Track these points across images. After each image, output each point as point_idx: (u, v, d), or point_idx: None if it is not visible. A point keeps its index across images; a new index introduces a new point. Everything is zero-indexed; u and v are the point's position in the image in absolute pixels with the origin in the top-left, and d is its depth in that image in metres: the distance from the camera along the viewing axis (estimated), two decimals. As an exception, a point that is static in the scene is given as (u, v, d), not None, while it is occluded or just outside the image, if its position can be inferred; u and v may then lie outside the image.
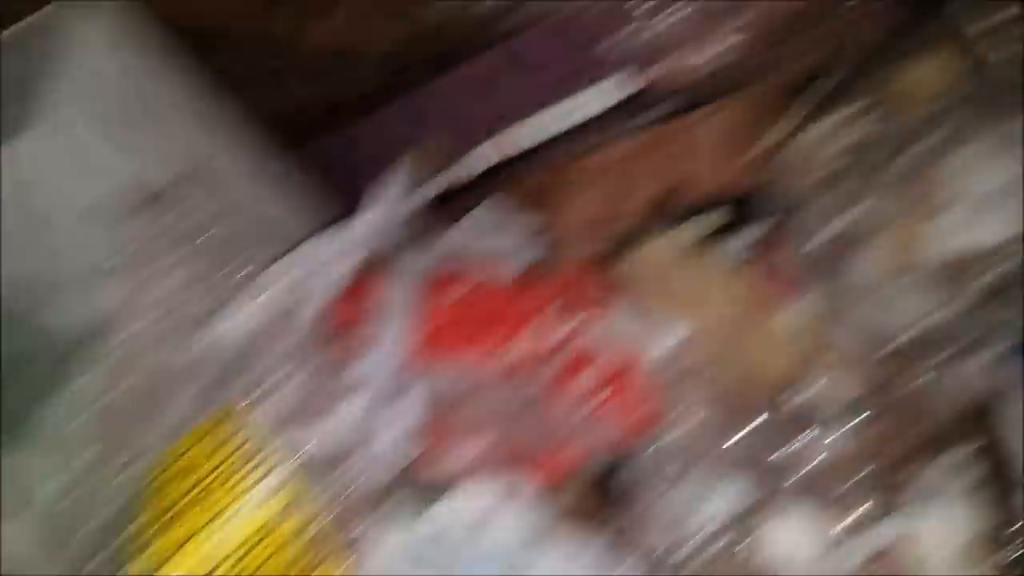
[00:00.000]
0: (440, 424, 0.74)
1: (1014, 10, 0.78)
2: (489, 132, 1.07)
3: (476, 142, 1.07)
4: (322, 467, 0.69)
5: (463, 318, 0.81)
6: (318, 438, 0.69)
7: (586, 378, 0.80)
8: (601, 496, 0.80)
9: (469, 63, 0.96)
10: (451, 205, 1.09)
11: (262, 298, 0.81)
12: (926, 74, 0.81)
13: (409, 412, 0.71)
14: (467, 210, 1.05)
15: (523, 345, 0.81)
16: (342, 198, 1.04)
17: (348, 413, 0.69)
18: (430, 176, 1.09)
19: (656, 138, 1.00)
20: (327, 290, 0.81)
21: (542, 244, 0.99)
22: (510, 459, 0.76)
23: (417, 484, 0.72)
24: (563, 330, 0.84)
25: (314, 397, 0.71)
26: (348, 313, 0.80)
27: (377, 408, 0.69)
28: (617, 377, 0.80)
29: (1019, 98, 0.75)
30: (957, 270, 0.76)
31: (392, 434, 0.70)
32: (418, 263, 0.85)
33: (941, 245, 0.75)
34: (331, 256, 0.84)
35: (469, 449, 0.75)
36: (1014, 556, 0.72)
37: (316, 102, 1.09)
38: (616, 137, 1.02)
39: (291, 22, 0.99)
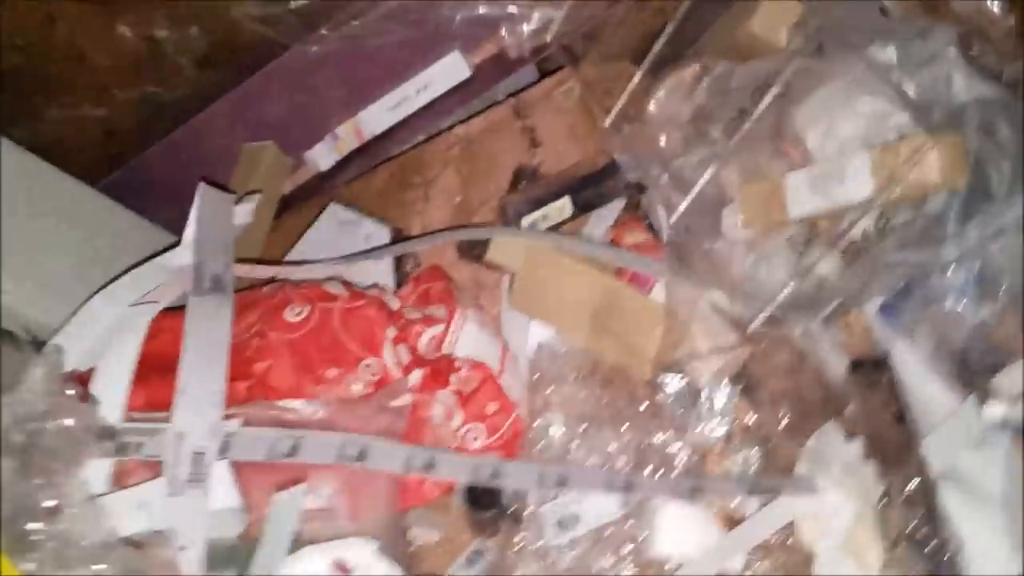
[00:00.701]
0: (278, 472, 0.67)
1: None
2: (325, 126, 0.99)
3: (311, 138, 0.99)
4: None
5: (306, 349, 0.73)
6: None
7: (447, 395, 0.73)
8: (481, 509, 0.75)
9: (281, 59, 0.86)
10: (294, 209, 1.01)
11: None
12: (766, 21, 0.75)
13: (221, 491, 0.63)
14: (313, 214, 0.98)
15: (376, 367, 0.73)
16: (174, 205, 0.97)
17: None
18: (273, 180, 1.01)
19: (503, 116, 0.93)
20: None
21: (394, 246, 0.92)
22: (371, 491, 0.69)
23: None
24: (420, 344, 0.77)
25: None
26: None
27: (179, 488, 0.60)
28: (480, 389, 0.73)
29: (864, 37, 0.71)
30: (816, 231, 0.72)
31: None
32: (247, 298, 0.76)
33: (803, 202, 0.70)
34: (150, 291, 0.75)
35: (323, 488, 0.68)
36: (912, 521, 0.70)
37: (128, 115, 0.98)
38: (463, 118, 0.95)
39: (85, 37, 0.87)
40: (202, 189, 0.75)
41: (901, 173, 0.64)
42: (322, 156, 1.01)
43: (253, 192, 0.86)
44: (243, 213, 0.79)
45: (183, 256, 0.73)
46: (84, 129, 0.96)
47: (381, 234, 0.94)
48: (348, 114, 0.98)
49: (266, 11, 0.80)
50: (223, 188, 0.83)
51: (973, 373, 0.75)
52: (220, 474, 0.62)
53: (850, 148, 0.69)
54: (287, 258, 0.96)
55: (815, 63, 0.72)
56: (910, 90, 0.70)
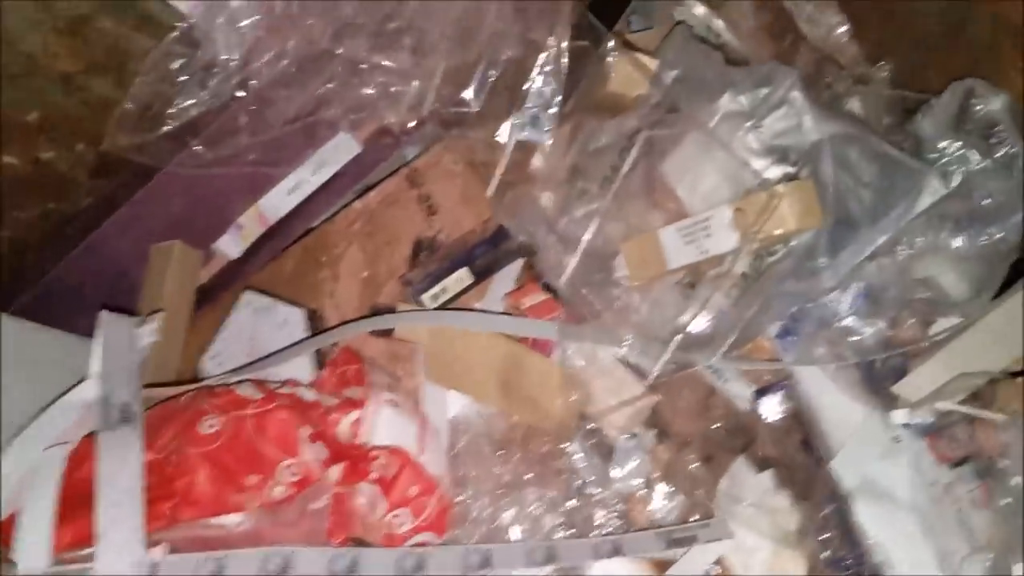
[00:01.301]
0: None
1: (699, 9, 0.77)
2: (229, 216, 1.00)
3: (218, 230, 1.00)
4: None
5: (224, 460, 0.74)
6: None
7: (369, 485, 0.75)
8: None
9: (176, 160, 0.88)
10: (212, 300, 1.02)
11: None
12: (623, 79, 0.78)
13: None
14: (230, 302, 0.99)
15: (296, 467, 0.75)
16: (93, 314, 0.98)
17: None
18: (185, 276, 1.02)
19: (398, 187, 0.95)
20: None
21: (313, 327, 0.93)
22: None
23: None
24: (339, 431, 0.79)
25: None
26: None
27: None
28: (400, 474, 0.75)
29: (715, 89, 0.74)
30: (701, 274, 0.75)
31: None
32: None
33: (679, 255, 0.73)
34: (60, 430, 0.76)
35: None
36: (831, 542, 0.73)
37: (33, 232, 0.99)
38: (358, 195, 0.97)
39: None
40: (103, 318, 0.77)
41: (759, 224, 0.67)
42: (230, 246, 1.02)
43: (156, 312, 0.88)
44: (148, 333, 0.81)
45: (90, 390, 0.75)
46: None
47: (296, 317, 0.95)
48: (250, 202, 1.00)
49: (136, 140, 0.81)
50: (127, 310, 0.84)
51: (878, 381, 0.79)
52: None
53: (715, 199, 0.72)
54: (209, 348, 0.98)
55: (672, 118, 0.74)
56: (764, 136, 0.73)
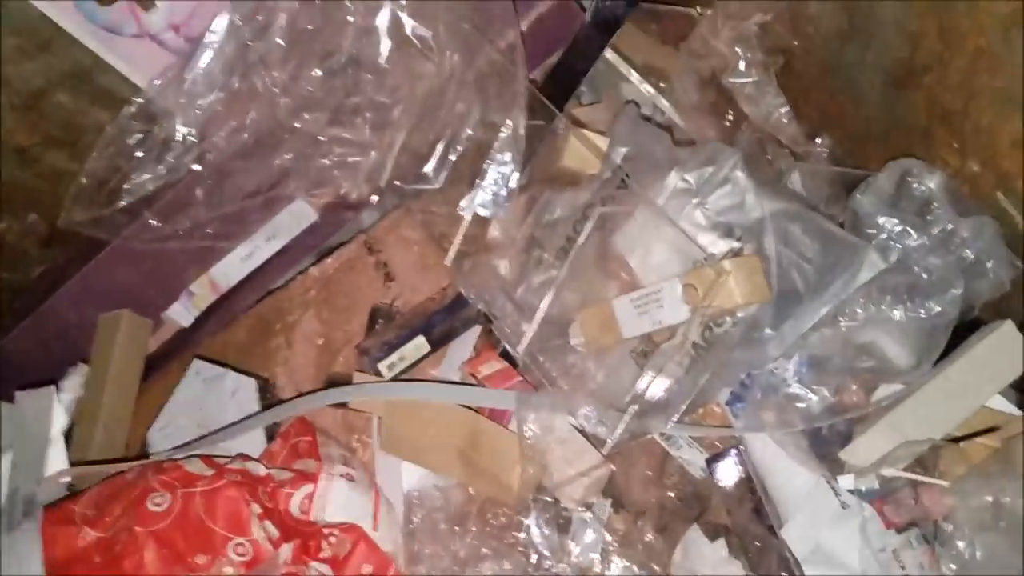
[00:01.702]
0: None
1: (646, 87, 0.80)
2: (180, 284, 0.99)
3: (168, 299, 0.99)
4: None
5: (172, 539, 0.73)
6: None
7: (320, 565, 0.74)
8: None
9: (127, 232, 0.87)
10: (161, 369, 1.01)
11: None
12: (575, 155, 0.80)
13: None
14: (179, 372, 0.98)
15: (246, 546, 0.74)
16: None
17: None
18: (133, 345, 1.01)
19: (355, 253, 0.96)
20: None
21: (263, 396, 0.92)
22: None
23: None
24: (291, 506, 0.78)
25: None
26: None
27: None
28: (353, 552, 0.74)
29: (662, 167, 0.76)
30: (653, 343, 0.77)
31: None
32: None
33: (632, 325, 0.75)
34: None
35: None
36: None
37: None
38: (314, 261, 0.97)
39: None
40: (18, 398, 0.75)
41: (708, 297, 0.69)
42: (181, 314, 1.01)
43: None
44: (70, 388, 0.79)
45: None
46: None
47: (247, 386, 0.94)
48: (201, 270, 0.99)
49: (91, 214, 0.81)
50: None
51: (826, 446, 0.80)
52: None
53: (665, 271, 0.74)
54: (157, 419, 0.96)
55: (623, 195, 0.77)
56: (710, 212, 0.75)
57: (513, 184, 0.79)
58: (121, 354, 0.98)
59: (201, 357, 0.97)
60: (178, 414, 0.96)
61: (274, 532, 0.75)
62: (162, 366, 1.01)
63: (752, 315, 0.74)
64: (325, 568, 0.73)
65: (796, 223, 0.75)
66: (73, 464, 0.87)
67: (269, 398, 0.92)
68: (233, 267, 1.00)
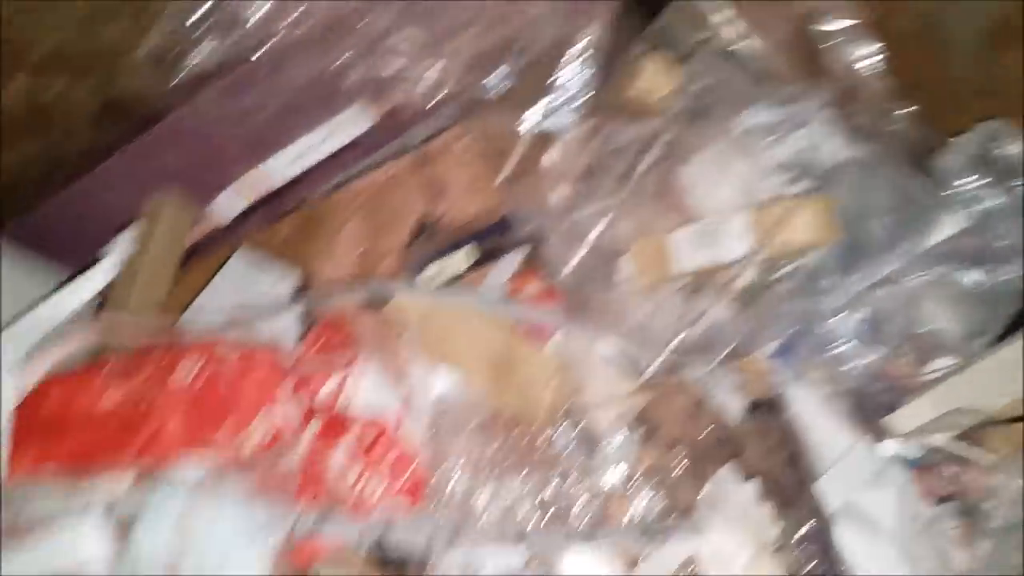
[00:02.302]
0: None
1: (732, 28, 0.78)
2: (228, 176, 0.98)
3: (215, 189, 0.98)
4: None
5: (198, 408, 0.72)
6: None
7: (344, 447, 0.73)
8: (388, 560, 0.74)
9: (181, 111, 0.86)
10: (199, 259, 1.00)
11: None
12: (648, 83, 0.78)
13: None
14: (218, 264, 0.97)
15: (270, 423, 0.73)
16: (72, 259, 0.96)
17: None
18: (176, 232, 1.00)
19: (405, 168, 0.94)
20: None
21: (297, 296, 0.91)
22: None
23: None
24: (318, 397, 0.77)
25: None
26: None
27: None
28: (378, 440, 0.73)
29: (741, 101, 0.74)
30: (705, 281, 0.75)
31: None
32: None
33: (687, 259, 0.73)
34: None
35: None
36: (808, 560, 0.72)
37: (26, 169, 0.96)
38: (364, 170, 0.96)
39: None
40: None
41: (773, 233, 0.66)
42: (226, 207, 0.99)
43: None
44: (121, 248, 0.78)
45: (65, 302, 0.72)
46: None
47: (286, 282, 0.93)
48: (252, 165, 0.98)
49: (149, 87, 0.80)
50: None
51: (869, 412, 0.79)
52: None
53: (729, 208, 0.72)
54: (192, 306, 0.95)
55: (695, 126, 0.75)
56: (785, 152, 0.73)
57: (580, 101, 0.77)
58: (164, 238, 0.97)
59: (242, 249, 0.97)
60: (214, 303, 0.95)
61: (300, 412, 0.74)
62: (202, 256, 1.00)
63: (815, 263, 0.72)
64: (348, 453, 0.72)
65: (872, 174, 0.73)
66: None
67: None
68: (283, 165, 0.98)
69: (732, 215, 0.69)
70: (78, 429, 0.73)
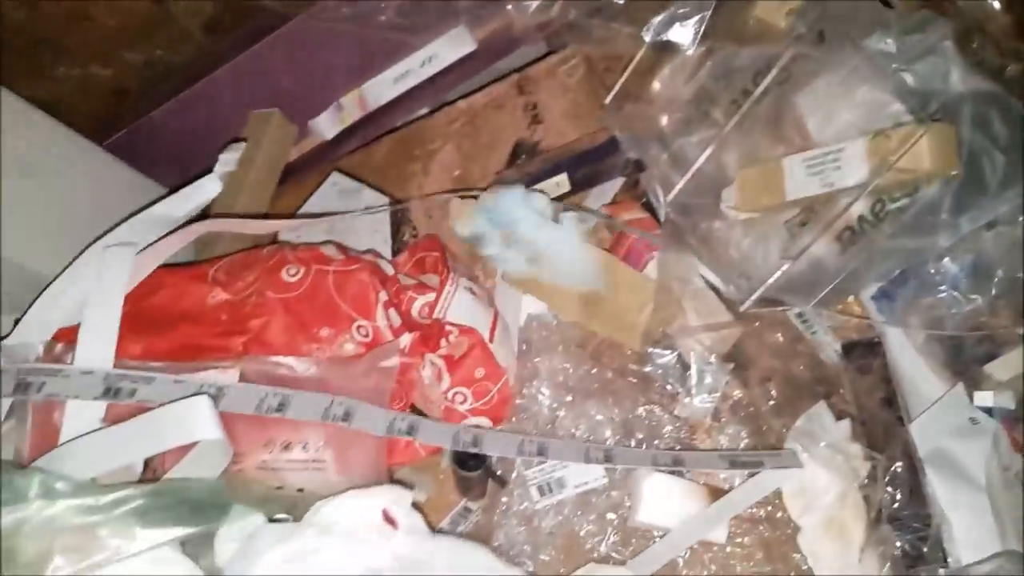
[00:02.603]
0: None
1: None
2: (330, 95, 0.99)
3: (316, 107, 1.00)
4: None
5: (300, 309, 0.74)
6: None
7: (436, 358, 0.74)
8: (468, 471, 0.75)
9: (288, 26, 0.87)
10: (297, 178, 1.02)
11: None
12: (769, 7, 0.76)
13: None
14: (315, 183, 0.98)
15: (368, 329, 0.74)
16: (176, 167, 0.98)
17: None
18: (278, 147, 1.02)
19: (506, 92, 0.94)
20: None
21: (394, 215, 0.92)
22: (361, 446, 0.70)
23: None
24: (412, 310, 0.78)
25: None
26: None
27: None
28: (469, 354, 0.74)
29: (864, 28, 0.71)
30: (814, 214, 0.73)
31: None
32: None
33: (800, 185, 0.71)
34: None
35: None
36: (897, 501, 0.71)
37: (136, 76, 0.99)
38: (466, 92, 0.96)
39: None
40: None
41: (893, 159, 0.64)
42: (326, 125, 1.01)
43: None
44: (228, 161, 0.80)
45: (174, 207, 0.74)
46: (91, 88, 0.97)
47: (381, 204, 0.94)
48: (353, 84, 0.99)
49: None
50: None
51: (965, 361, 0.76)
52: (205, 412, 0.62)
53: (848, 135, 0.70)
54: (289, 222, 0.97)
55: (816, 51, 0.72)
56: (909, 80, 0.70)
57: (699, 21, 0.75)
58: (265, 154, 0.99)
59: (339, 171, 0.98)
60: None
61: (396, 321, 0.75)
62: (299, 174, 1.02)
63: (930, 197, 0.69)
64: (440, 363, 0.73)
65: (996, 109, 0.69)
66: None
67: (399, 219, 0.92)
68: (384, 86, 0.99)
69: (852, 141, 0.67)
70: (186, 323, 0.76)
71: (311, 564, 0.58)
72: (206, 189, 0.87)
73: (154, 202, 0.85)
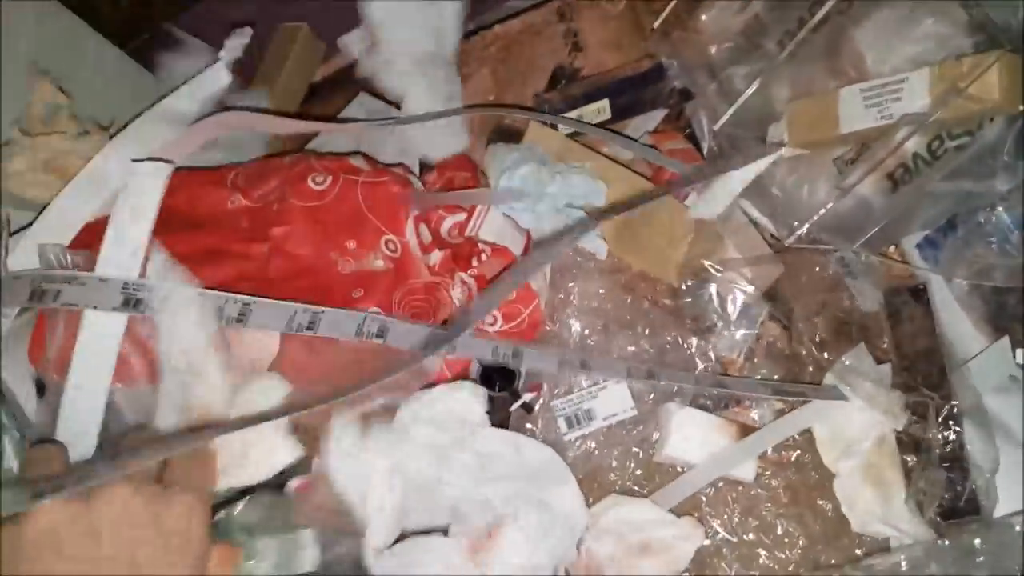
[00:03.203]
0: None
1: None
2: (360, 11, 0.95)
3: (346, 24, 0.96)
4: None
5: (326, 219, 0.71)
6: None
7: (467, 277, 0.71)
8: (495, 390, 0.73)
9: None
10: (322, 97, 0.99)
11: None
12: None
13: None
14: (341, 104, 0.95)
15: (397, 244, 0.72)
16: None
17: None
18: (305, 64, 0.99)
19: (546, 18, 0.91)
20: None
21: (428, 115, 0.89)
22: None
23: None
24: (441, 229, 0.75)
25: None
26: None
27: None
28: (500, 275, 0.71)
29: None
30: (866, 150, 0.70)
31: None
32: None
33: (857, 117, 0.68)
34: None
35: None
36: (936, 449, 0.69)
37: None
38: (503, 16, 0.92)
39: None
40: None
41: (957, 90, 0.61)
42: (355, 43, 0.97)
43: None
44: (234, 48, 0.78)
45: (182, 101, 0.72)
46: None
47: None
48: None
49: None
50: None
51: (1009, 317, 0.74)
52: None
53: (909, 71, 0.67)
54: (312, 144, 0.94)
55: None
56: (979, 13, 0.67)
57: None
58: (290, 70, 0.96)
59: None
60: (335, 143, 0.94)
61: (427, 237, 0.73)
62: (326, 94, 0.99)
63: (993, 135, 0.66)
64: (471, 282, 0.71)
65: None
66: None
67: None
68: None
69: (916, 71, 0.64)
70: (204, 227, 0.73)
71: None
72: (215, 78, 0.82)
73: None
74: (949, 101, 0.62)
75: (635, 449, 0.71)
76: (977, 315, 0.76)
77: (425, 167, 0.86)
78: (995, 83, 0.61)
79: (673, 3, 0.78)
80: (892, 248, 0.79)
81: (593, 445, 0.71)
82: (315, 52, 0.99)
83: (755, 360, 0.74)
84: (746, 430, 0.70)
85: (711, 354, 0.73)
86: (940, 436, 0.66)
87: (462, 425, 0.63)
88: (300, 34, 0.96)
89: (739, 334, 0.73)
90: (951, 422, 0.67)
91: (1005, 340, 0.73)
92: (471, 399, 0.64)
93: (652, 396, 0.71)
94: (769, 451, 0.71)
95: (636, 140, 0.81)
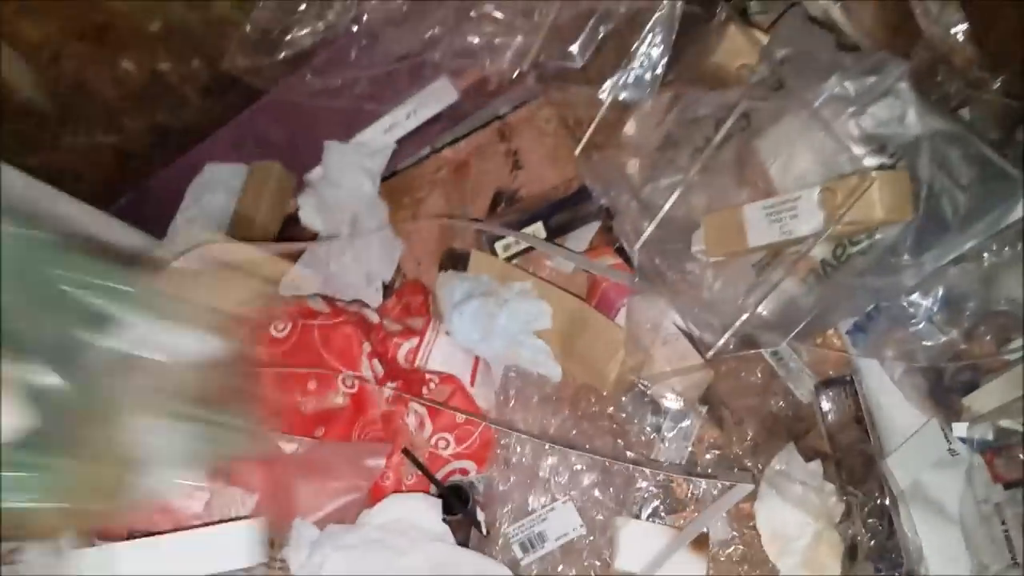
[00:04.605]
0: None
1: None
2: (319, 152, 1.03)
3: (311, 161, 1.04)
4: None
5: (289, 363, 0.78)
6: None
7: (419, 405, 0.77)
8: (451, 513, 0.78)
9: (280, 88, 0.92)
10: (296, 228, 1.06)
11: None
12: (730, 52, 0.78)
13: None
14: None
15: (353, 380, 0.78)
16: None
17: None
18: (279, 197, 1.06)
19: (488, 139, 0.97)
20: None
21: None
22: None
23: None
24: (398, 356, 0.81)
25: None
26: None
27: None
28: (450, 400, 0.77)
29: (822, 72, 0.73)
30: (779, 256, 0.74)
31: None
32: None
33: (761, 233, 0.73)
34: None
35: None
36: (873, 538, 0.72)
37: (139, 141, 1.04)
38: (450, 140, 0.99)
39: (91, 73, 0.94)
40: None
41: (846, 208, 0.66)
42: (318, 179, 1.05)
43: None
44: None
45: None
46: (98, 155, 1.02)
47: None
48: (345, 137, 1.03)
49: (253, 62, 0.85)
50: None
51: (946, 392, 0.77)
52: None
53: (807, 181, 0.71)
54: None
55: (776, 95, 0.74)
56: (866, 124, 0.72)
57: (660, 70, 0.77)
58: (267, 203, 1.03)
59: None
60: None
61: (380, 371, 0.79)
62: (297, 226, 1.06)
63: (891, 239, 0.70)
64: (422, 410, 0.76)
65: (955, 147, 0.70)
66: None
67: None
68: (374, 137, 1.03)
69: (807, 190, 0.69)
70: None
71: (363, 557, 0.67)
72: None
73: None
74: (838, 220, 0.66)
75: (596, 562, 0.75)
76: (917, 393, 0.79)
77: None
78: (876, 203, 0.65)
79: (589, 132, 0.84)
80: (831, 332, 0.83)
81: (551, 565, 0.75)
82: (287, 186, 1.06)
83: (699, 463, 0.78)
84: (692, 531, 0.74)
85: (655, 465, 0.77)
86: (865, 532, 0.69)
87: (418, 531, 0.69)
88: (274, 170, 1.04)
89: (679, 443, 0.77)
90: (874, 519, 0.70)
91: (934, 420, 0.76)
92: (426, 507, 0.70)
93: (600, 514, 0.76)
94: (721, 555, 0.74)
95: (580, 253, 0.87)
